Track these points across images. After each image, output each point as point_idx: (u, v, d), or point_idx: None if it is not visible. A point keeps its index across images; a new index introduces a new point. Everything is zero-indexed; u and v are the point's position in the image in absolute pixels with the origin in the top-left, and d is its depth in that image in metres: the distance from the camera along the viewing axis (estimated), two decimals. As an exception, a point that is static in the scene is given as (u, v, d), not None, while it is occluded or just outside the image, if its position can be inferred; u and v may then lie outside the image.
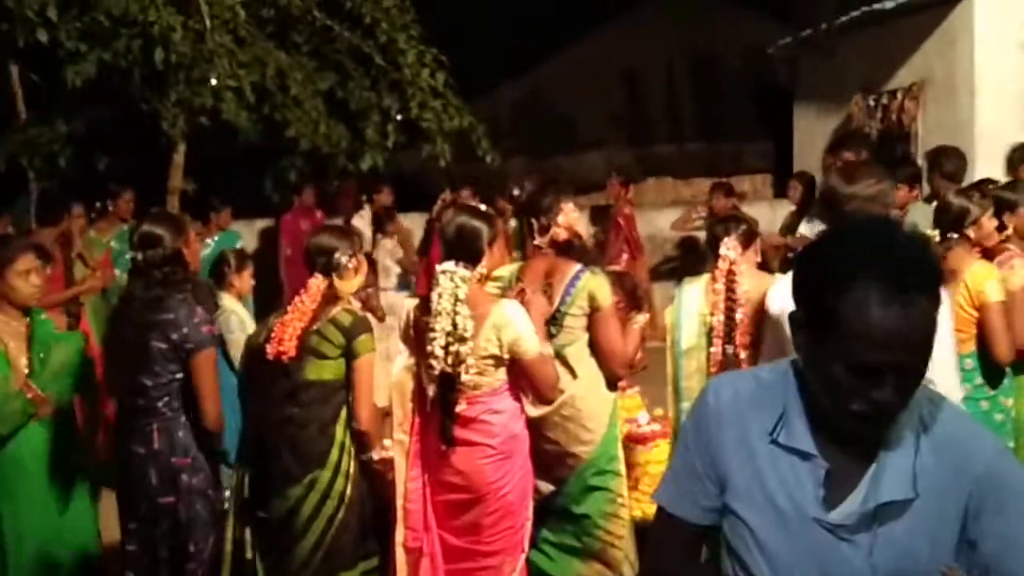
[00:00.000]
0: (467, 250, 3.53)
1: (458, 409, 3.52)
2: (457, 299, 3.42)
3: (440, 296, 3.44)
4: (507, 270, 3.97)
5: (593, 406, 3.87)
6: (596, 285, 3.81)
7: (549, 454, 3.85)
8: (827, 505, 1.59)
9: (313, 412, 3.51)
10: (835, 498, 1.58)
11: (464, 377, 3.45)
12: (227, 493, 3.85)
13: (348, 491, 3.55)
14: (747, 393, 1.69)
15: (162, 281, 3.56)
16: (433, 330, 3.45)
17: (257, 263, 10.02)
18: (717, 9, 13.91)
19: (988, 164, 6.62)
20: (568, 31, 14.27)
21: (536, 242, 3.92)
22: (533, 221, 3.91)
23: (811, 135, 9.93)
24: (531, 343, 3.53)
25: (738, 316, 3.90)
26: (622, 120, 13.56)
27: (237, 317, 5.04)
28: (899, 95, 8.17)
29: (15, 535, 3.60)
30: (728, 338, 3.91)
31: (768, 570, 1.63)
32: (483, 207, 3.84)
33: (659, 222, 10.42)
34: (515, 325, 3.51)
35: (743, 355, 3.89)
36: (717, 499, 1.70)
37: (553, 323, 3.82)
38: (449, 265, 3.50)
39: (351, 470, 3.57)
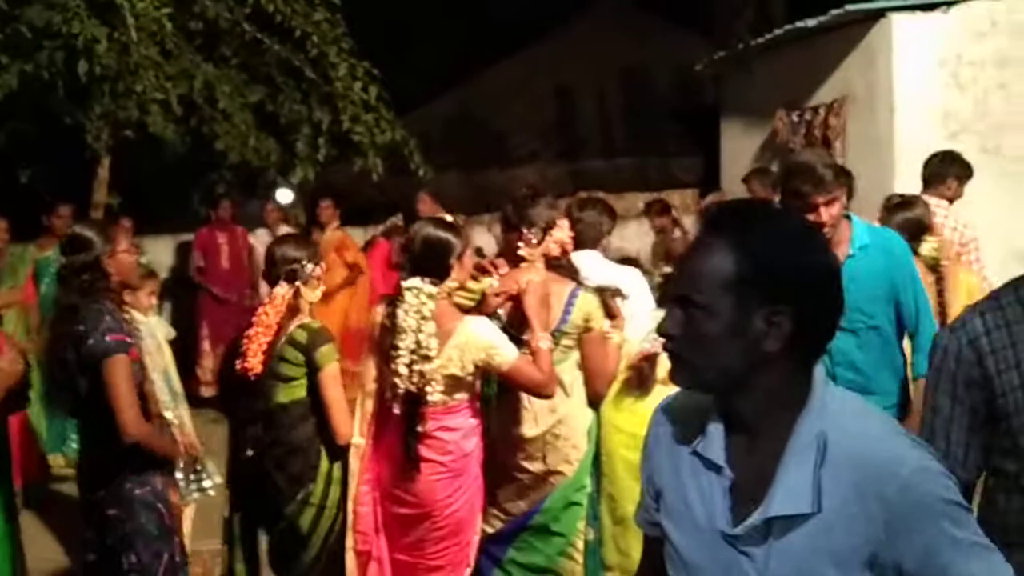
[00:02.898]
0: (434, 264, 3.45)
1: (420, 428, 3.46)
2: (422, 316, 3.34)
3: (406, 312, 3.37)
4: (480, 285, 3.90)
5: (582, 425, 3.85)
6: (591, 305, 3.77)
7: (530, 475, 3.81)
8: (736, 518, 1.58)
9: (295, 433, 3.52)
10: (744, 511, 1.57)
11: (431, 397, 3.40)
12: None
13: (339, 497, 3.60)
14: (681, 406, 1.73)
15: (80, 289, 3.49)
16: (397, 348, 3.38)
17: (178, 277, 9.93)
18: (647, 27, 14.11)
19: (908, 178, 6.81)
20: (500, 47, 14.35)
21: (523, 252, 3.80)
22: (524, 231, 3.78)
23: (737, 150, 10.12)
24: (504, 352, 3.45)
25: None
26: (554, 135, 13.65)
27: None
28: (821, 111, 8.36)
29: None
30: None
31: None
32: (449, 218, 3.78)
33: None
34: (482, 339, 3.43)
35: None
36: (656, 515, 1.74)
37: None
38: (415, 281, 3.42)
39: (340, 476, 3.60)
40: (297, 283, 3.56)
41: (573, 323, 3.78)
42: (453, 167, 12.45)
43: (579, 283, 3.86)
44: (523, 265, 3.82)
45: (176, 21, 7.71)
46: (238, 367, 3.49)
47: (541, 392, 3.55)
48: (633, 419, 3.78)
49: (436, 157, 10.34)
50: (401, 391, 3.42)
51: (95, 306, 3.47)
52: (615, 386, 3.97)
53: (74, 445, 6.79)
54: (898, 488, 1.48)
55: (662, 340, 1.63)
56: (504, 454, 3.83)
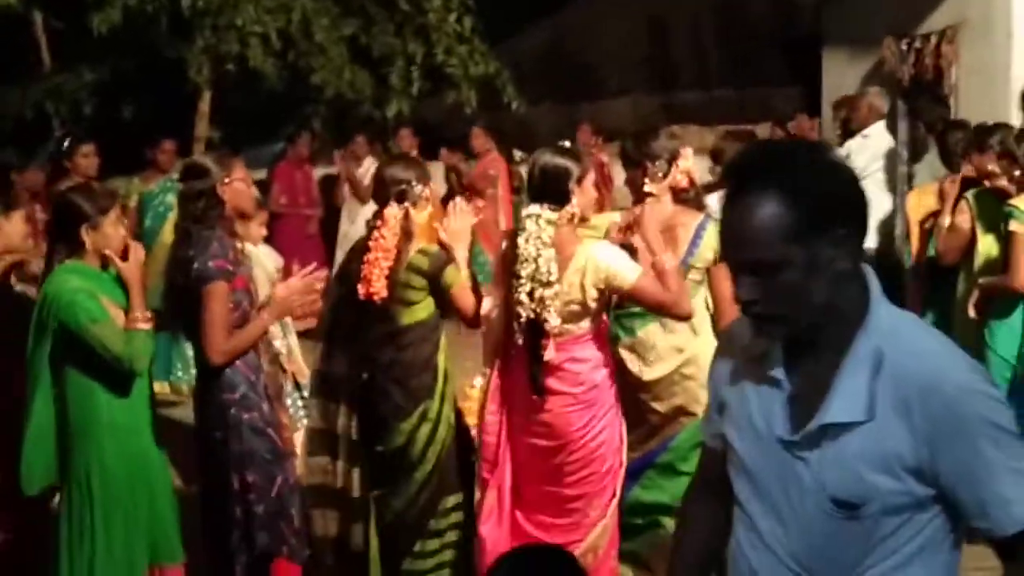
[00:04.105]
0: (553, 191, 3.41)
1: (546, 357, 3.44)
2: (542, 242, 3.34)
3: (526, 240, 3.36)
4: (605, 219, 3.80)
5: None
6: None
7: (659, 415, 3.78)
8: (793, 426, 1.65)
9: (416, 352, 3.56)
10: (800, 420, 1.64)
11: (550, 323, 3.37)
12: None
13: (452, 417, 3.64)
14: (743, 323, 1.78)
15: (195, 215, 3.55)
16: (519, 276, 3.38)
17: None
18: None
19: (1025, 109, 6.51)
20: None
21: (649, 188, 3.70)
22: (648, 166, 3.69)
23: (840, 81, 9.76)
24: (625, 272, 3.39)
25: None
26: (647, 67, 13.40)
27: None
28: (933, 38, 7.99)
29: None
30: None
31: (748, 490, 1.73)
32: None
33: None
34: (602, 263, 3.39)
35: None
36: (719, 426, 1.82)
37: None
38: (534, 208, 3.40)
39: (453, 396, 3.66)
40: (406, 204, 3.56)
41: (701, 256, 3.71)
42: (544, 100, 12.33)
43: (707, 215, 3.78)
44: (649, 200, 3.72)
45: (273, -46, 7.74)
46: (361, 292, 3.52)
47: (672, 311, 3.47)
48: None
49: (527, 90, 10.25)
50: (523, 319, 3.42)
51: (206, 232, 3.51)
52: None
53: (180, 373, 7.01)
54: (941, 403, 1.54)
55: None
56: (631, 394, 3.78)
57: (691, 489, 2.05)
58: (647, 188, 3.74)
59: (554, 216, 3.38)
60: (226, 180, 3.61)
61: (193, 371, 7.01)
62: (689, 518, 2.01)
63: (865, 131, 7.17)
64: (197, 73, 7.86)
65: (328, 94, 8.64)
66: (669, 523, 3.74)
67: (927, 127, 7.51)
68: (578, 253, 3.41)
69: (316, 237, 8.72)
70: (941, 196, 5.07)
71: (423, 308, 3.56)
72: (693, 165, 3.84)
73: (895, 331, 1.61)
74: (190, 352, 6.88)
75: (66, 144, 6.03)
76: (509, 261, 3.50)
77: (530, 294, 3.36)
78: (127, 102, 9.20)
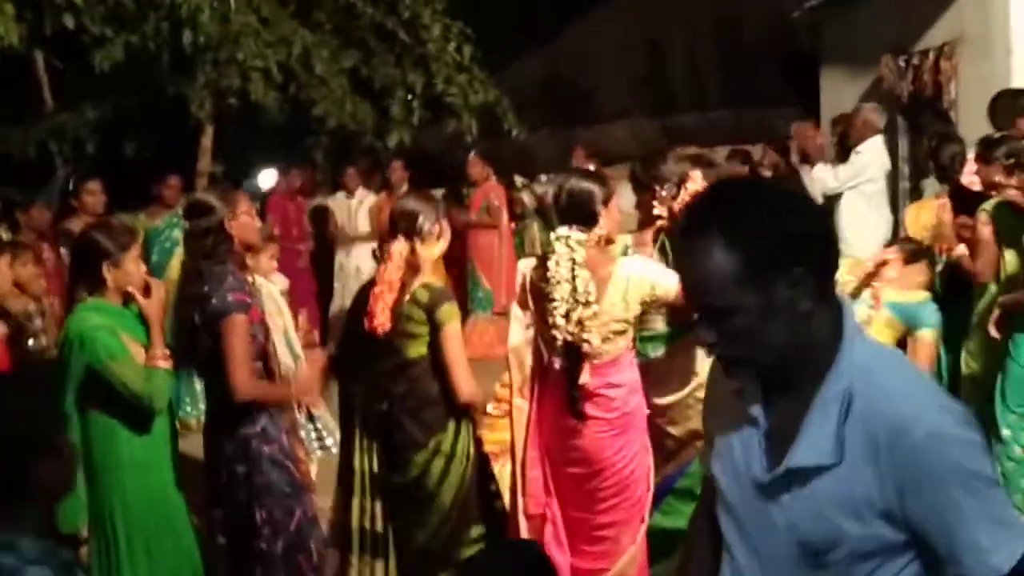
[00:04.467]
0: (580, 213, 3.45)
1: (582, 380, 3.44)
2: (575, 263, 3.35)
3: (557, 263, 3.38)
4: (620, 241, 3.84)
5: None
6: None
7: (674, 439, 3.81)
8: (767, 466, 1.62)
9: (426, 384, 3.53)
10: (775, 460, 1.61)
11: (593, 341, 3.37)
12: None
13: (472, 450, 3.60)
14: None
15: (204, 252, 3.55)
16: (553, 299, 3.39)
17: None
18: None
19: (1026, 122, 6.51)
20: (589, 0, 14.16)
21: (659, 211, 3.78)
22: (656, 189, 3.77)
23: (839, 99, 9.80)
24: (667, 282, 3.41)
25: None
26: (645, 90, 13.46)
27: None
28: (931, 55, 8.03)
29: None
30: None
31: (730, 525, 1.71)
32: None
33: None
34: (644, 276, 3.43)
35: None
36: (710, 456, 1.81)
37: None
38: (563, 230, 3.43)
39: (471, 430, 3.62)
40: (415, 239, 3.57)
41: None
42: (543, 126, 12.38)
43: None
44: (660, 222, 3.79)
45: (272, -12, 7.80)
46: (366, 325, 3.52)
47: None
48: None
49: (527, 116, 10.29)
50: (560, 343, 3.41)
51: (218, 268, 3.52)
52: None
53: (188, 408, 6.99)
54: (910, 448, 1.49)
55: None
56: (650, 419, 3.80)
57: (697, 510, 2.05)
58: (657, 211, 3.78)
59: (584, 237, 3.41)
60: (232, 215, 3.62)
61: (202, 406, 7.08)
62: (695, 538, 1.99)
63: (859, 147, 7.20)
64: (199, 108, 7.89)
65: (330, 125, 8.66)
66: None
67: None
68: (616, 270, 3.43)
69: (308, 270, 8.71)
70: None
71: (424, 343, 3.53)
72: (702, 188, 3.86)
73: (868, 369, 1.56)
74: (198, 387, 6.94)
75: (72, 183, 6.04)
76: (539, 286, 3.49)
77: (566, 316, 3.34)
78: (130, 139, 9.23)
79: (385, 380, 3.57)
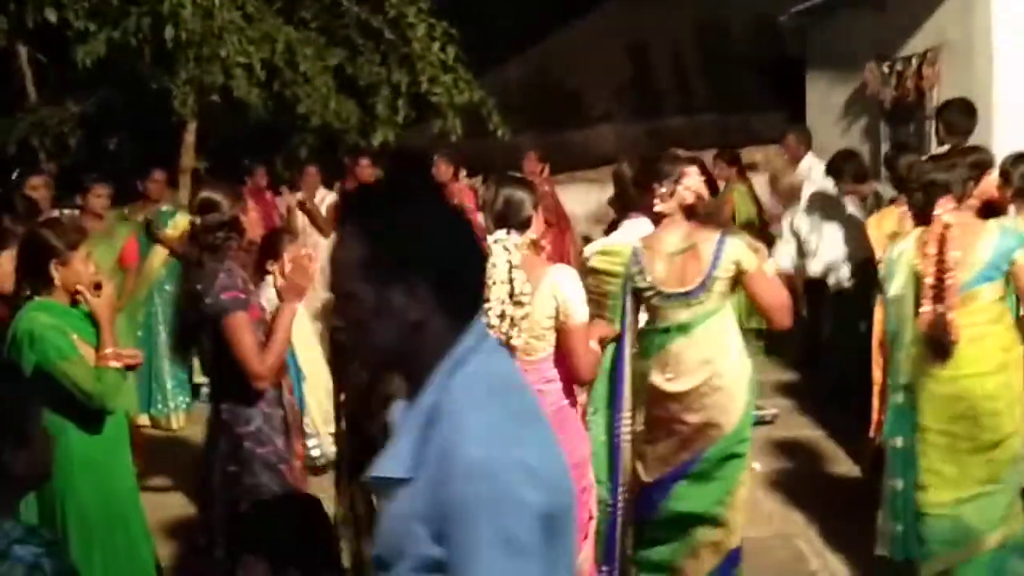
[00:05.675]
0: (515, 218, 3.53)
1: None
2: (512, 265, 3.42)
3: (493, 265, 3.42)
4: (626, 245, 3.96)
5: (741, 376, 3.92)
6: (739, 248, 3.86)
7: (689, 426, 3.89)
8: None
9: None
10: None
11: (516, 341, 3.42)
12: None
13: None
14: None
15: (210, 246, 3.54)
16: (487, 299, 3.43)
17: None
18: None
19: (1009, 132, 6.54)
20: (575, 4, 14.17)
21: (660, 208, 3.93)
22: (655, 187, 3.91)
23: (824, 104, 9.86)
24: (580, 310, 3.49)
25: (948, 281, 3.89)
26: (630, 93, 13.48)
27: None
28: (914, 61, 8.08)
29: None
30: (937, 299, 3.92)
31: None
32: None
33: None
34: (565, 288, 3.50)
35: (950, 316, 3.90)
36: None
37: (704, 290, 3.83)
38: (500, 234, 3.50)
39: None
40: None
41: (724, 268, 3.83)
42: (529, 127, 12.38)
43: (725, 231, 3.94)
44: (664, 221, 3.93)
45: (256, -16, 7.78)
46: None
47: (585, 371, 3.56)
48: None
49: (513, 118, 10.29)
50: None
51: (211, 264, 3.51)
52: None
53: (159, 406, 6.97)
54: (447, 478, 1.47)
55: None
56: (660, 407, 3.93)
57: None
58: (657, 208, 3.92)
59: (519, 241, 3.49)
60: (243, 211, 3.63)
61: (171, 403, 7.05)
62: None
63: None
64: (182, 104, 7.86)
65: (314, 123, 8.64)
66: (701, 531, 3.95)
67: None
68: (549, 273, 3.51)
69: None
70: (902, 220, 5.07)
71: None
72: (698, 183, 3.96)
73: (461, 390, 1.54)
74: (169, 384, 6.94)
75: (14, 176, 5.93)
76: None
77: (500, 315, 3.39)
78: (112, 134, 9.17)
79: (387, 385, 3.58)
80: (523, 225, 3.54)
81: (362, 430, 3.63)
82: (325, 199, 8.62)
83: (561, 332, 3.53)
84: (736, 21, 12.85)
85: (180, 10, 7.18)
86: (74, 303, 3.42)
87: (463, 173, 8.95)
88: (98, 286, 3.39)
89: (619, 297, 3.98)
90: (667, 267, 3.88)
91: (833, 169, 6.91)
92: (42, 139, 8.75)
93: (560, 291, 3.48)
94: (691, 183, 3.92)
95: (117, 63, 7.89)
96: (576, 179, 11.26)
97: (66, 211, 6.15)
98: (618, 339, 3.97)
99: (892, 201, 6.03)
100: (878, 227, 5.62)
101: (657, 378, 3.94)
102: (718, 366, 3.87)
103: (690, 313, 3.89)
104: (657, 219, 3.98)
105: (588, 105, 13.57)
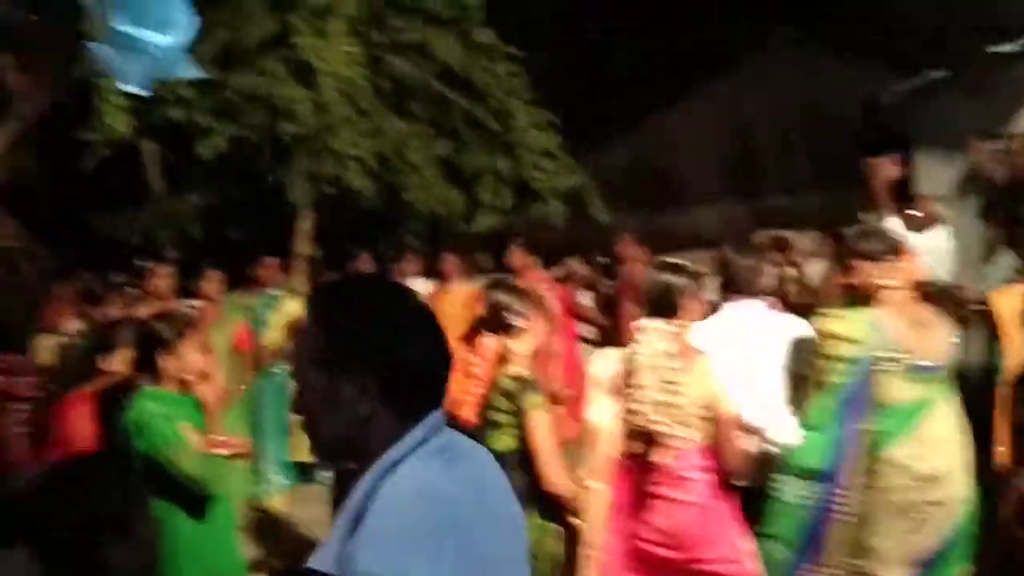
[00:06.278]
0: (666, 305, 3.55)
1: (664, 462, 3.46)
2: (665, 353, 3.42)
3: (644, 353, 3.44)
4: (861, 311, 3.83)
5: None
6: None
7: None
8: None
9: (513, 481, 3.54)
10: None
11: (672, 430, 3.41)
12: None
13: (561, 551, 3.59)
14: None
15: None
16: (640, 386, 3.44)
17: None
18: (824, 59, 13.76)
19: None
20: (678, 87, 14.29)
21: (881, 282, 3.79)
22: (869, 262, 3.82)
23: (934, 182, 9.69)
24: (728, 403, 3.48)
25: None
26: (733, 174, 13.44)
27: None
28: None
29: None
30: None
31: None
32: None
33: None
34: (719, 378, 3.48)
35: None
36: None
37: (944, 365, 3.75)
38: (653, 322, 3.52)
39: (562, 530, 3.61)
40: (505, 333, 3.62)
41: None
42: (630, 210, 12.44)
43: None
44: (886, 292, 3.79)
45: (368, 80, 8.10)
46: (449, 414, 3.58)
47: (731, 464, 3.49)
48: None
49: (613, 200, 10.37)
50: (644, 429, 3.44)
51: None
52: None
53: (264, 486, 7.07)
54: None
55: None
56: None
57: None
58: (879, 282, 3.78)
59: (673, 329, 3.49)
60: None
61: (275, 484, 7.10)
62: None
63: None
64: (297, 195, 8.20)
65: (421, 211, 8.87)
66: None
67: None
68: (699, 365, 3.48)
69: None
70: None
71: (512, 435, 3.54)
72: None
73: (382, 493, 1.53)
74: (272, 465, 7.04)
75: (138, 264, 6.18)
76: (626, 373, 3.52)
77: (653, 404, 3.38)
78: (231, 224, 9.58)
79: None
80: (674, 313, 3.53)
81: None
82: (419, 290, 8.75)
83: (714, 423, 3.49)
84: (839, 101, 12.76)
85: (296, 107, 7.52)
86: (186, 391, 3.54)
87: (539, 262, 8.78)
88: (206, 375, 3.51)
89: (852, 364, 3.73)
90: (915, 337, 3.69)
91: None
92: (166, 229, 9.19)
93: (714, 381, 3.46)
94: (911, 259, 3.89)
95: (237, 157, 8.27)
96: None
97: (187, 302, 6.44)
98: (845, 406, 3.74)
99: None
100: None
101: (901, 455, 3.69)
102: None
103: (934, 388, 3.73)
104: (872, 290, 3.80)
105: (689, 186, 13.57)
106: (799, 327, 4.04)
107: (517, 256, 8.57)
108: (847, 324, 3.73)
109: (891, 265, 3.76)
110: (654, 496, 3.47)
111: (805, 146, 13.14)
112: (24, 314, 4.51)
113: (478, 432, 3.57)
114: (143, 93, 2.84)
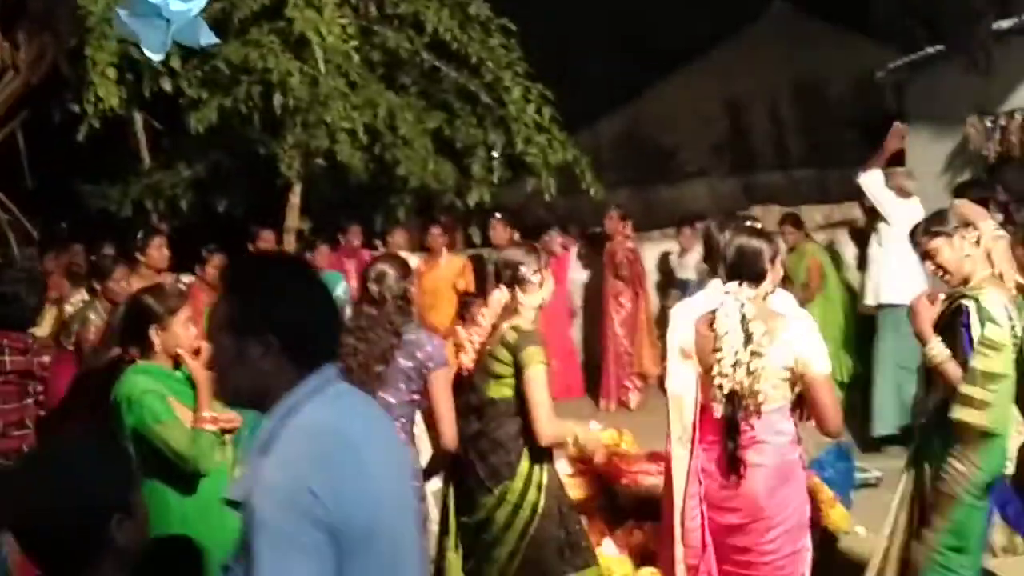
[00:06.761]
0: (749, 270, 3.51)
1: (744, 429, 3.45)
2: (745, 317, 3.39)
3: (727, 315, 3.41)
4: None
5: None
6: None
7: None
8: None
9: (500, 427, 3.65)
10: None
11: (756, 390, 3.37)
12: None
13: (541, 502, 3.63)
14: None
15: (401, 309, 3.74)
16: (720, 349, 3.41)
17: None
18: (817, 35, 13.74)
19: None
20: (669, 61, 14.26)
21: (968, 252, 3.84)
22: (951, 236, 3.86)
23: (925, 159, 9.69)
24: (820, 361, 3.43)
25: None
26: (725, 149, 13.45)
27: None
28: (1017, 115, 7.92)
29: None
30: None
31: None
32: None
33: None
34: (803, 339, 3.45)
35: None
36: None
37: None
38: (732, 285, 3.50)
39: (544, 481, 3.66)
40: (516, 288, 3.71)
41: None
42: (623, 184, 12.45)
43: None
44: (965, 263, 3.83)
45: (360, 53, 8.04)
46: (453, 363, 3.70)
47: (834, 421, 3.49)
48: None
49: (606, 174, 10.36)
50: (727, 392, 3.41)
51: (413, 322, 3.79)
52: None
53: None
54: (250, 496, 1.77)
55: None
56: None
57: None
58: (967, 253, 3.81)
59: (752, 292, 3.46)
60: (412, 281, 3.86)
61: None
62: None
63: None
64: (288, 167, 8.16)
65: (413, 184, 8.85)
66: None
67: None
68: (782, 327, 3.44)
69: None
70: None
71: (509, 385, 3.65)
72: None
73: (284, 431, 1.83)
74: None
75: (139, 236, 6.08)
76: (706, 337, 3.52)
77: (734, 365, 3.37)
78: (222, 196, 9.53)
79: (464, 420, 3.68)
80: (758, 277, 3.51)
81: (462, 475, 3.77)
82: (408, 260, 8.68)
83: (805, 384, 3.47)
84: (832, 77, 12.76)
85: (288, 78, 7.47)
86: (176, 366, 3.50)
87: (517, 236, 8.74)
88: (198, 351, 3.46)
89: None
90: None
91: None
92: (155, 201, 9.14)
93: (798, 342, 3.44)
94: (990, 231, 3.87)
95: (227, 129, 8.23)
96: (668, 236, 11.24)
97: (183, 278, 6.39)
98: None
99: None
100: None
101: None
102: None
103: None
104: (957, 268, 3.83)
105: (682, 161, 13.59)
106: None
107: (499, 231, 8.61)
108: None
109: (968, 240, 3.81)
110: (735, 460, 3.46)
111: (797, 121, 13.16)
112: (37, 295, 4.51)
113: (473, 378, 3.64)
114: (160, 59, 2.88)
